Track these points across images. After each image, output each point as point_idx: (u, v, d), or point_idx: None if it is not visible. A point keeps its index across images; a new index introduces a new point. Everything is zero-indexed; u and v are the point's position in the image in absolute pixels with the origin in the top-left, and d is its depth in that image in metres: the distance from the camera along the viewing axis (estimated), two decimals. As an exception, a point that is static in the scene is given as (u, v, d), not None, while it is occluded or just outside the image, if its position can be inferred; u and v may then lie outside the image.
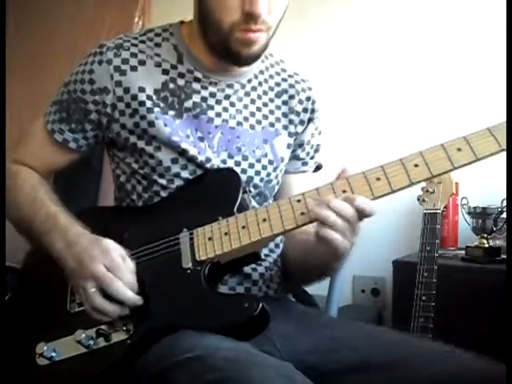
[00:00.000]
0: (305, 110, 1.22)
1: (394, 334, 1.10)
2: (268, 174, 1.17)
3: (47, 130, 1.16)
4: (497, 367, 0.89)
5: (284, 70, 1.23)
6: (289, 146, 1.21)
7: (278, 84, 1.21)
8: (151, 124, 1.08)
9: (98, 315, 0.96)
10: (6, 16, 2.77)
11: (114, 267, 0.96)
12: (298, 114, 1.21)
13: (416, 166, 0.92)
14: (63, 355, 0.99)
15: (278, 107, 1.20)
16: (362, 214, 0.92)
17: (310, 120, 1.23)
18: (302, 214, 0.95)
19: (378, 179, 0.93)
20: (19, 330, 1.07)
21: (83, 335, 0.96)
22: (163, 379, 0.84)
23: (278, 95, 1.20)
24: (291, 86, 1.22)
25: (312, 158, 1.27)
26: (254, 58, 1.07)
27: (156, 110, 1.08)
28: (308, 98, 1.22)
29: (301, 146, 1.24)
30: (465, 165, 0.91)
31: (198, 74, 1.12)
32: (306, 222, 0.95)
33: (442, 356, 0.96)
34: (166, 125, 1.08)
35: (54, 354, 0.98)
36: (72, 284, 1.02)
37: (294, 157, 1.24)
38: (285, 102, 1.20)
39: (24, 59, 3.01)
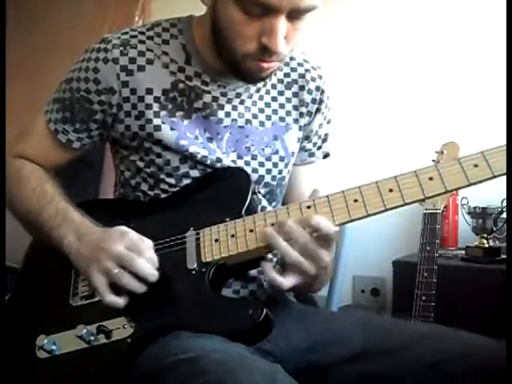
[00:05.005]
0: (313, 101, 1.17)
1: (393, 320, 1.09)
2: (280, 172, 1.14)
3: (50, 129, 1.12)
4: (499, 344, 0.89)
5: (293, 59, 1.17)
6: (299, 139, 1.18)
7: (287, 75, 1.16)
8: (157, 128, 1.05)
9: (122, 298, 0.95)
10: (7, 15, 2.77)
11: (134, 246, 0.94)
12: (307, 105, 1.17)
13: (431, 179, 0.89)
14: (63, 349, 0.97)
15: (289, 100, 1.15)
16: (320, 237, 0.89)
17: (318, 111, 1.18)
18: None
19: (391, 190, 0.90)
20: (20, 322, 1.06)
21: (84, 330, 0.94)
22: (155, 380, 0.83)
23: (289, 87, 1.15)
24: (301, 75, 1.16)
25: (319, 148, 1.23)
26: (265, 78, 1.05)
27: (163, 113, 1.05)
28: (317, 88, 1.17)
29: (307, 137, 1.20)
30: (481, 181, 0.88)
31: (206, 78, 1.08)
32: None
33: (443, 338, 0.96)
34: (172, 128, 1.05)
35: (54, 348, 0.97)
36: (84, 273, 0.99)
37: (301, 148, 1.20)
38: (295, 94, 1.16)
39: (24, 59, 3.00)
